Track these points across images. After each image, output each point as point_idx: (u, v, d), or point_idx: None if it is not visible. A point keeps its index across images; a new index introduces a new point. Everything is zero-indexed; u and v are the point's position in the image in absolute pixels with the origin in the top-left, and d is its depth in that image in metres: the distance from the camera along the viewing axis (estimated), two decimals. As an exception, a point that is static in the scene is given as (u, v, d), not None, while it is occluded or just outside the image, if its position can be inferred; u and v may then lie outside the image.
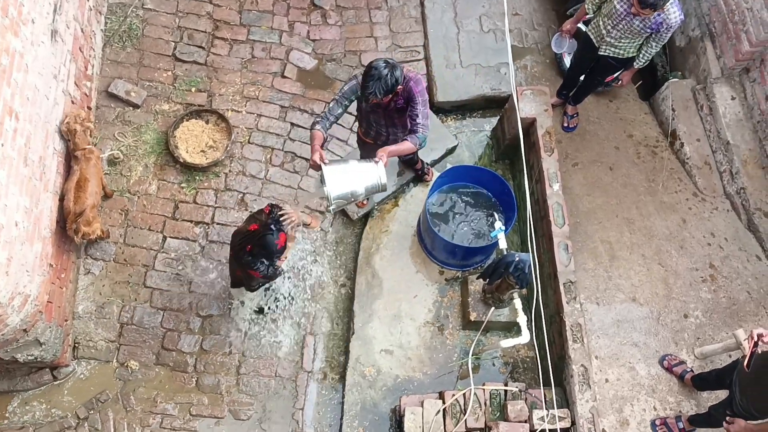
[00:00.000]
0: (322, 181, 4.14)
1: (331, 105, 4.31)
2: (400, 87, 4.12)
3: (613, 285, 5.42)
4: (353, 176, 4.16)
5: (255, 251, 4.33)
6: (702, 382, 4.91)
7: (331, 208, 4.23)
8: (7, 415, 4.97)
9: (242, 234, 4.43)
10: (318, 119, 4.32)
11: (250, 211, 5.42)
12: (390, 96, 4.14)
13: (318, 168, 4.20)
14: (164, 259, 5.41)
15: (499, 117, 5.94)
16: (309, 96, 6.03)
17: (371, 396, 5.18)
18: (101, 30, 5.93)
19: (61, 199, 4.92)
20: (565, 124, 5.99)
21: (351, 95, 4.29)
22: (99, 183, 5.05)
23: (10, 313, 4.07)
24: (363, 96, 4.13)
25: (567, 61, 6.11)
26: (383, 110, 4.44)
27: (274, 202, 4.63)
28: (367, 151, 4.95)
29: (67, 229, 4.92)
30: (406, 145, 4.28)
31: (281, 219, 4.27)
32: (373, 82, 3.99)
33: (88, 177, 4.90)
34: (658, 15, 4.64)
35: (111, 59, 5.92)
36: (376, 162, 4.19)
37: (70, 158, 5.01)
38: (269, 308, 5.32)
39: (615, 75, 5.64)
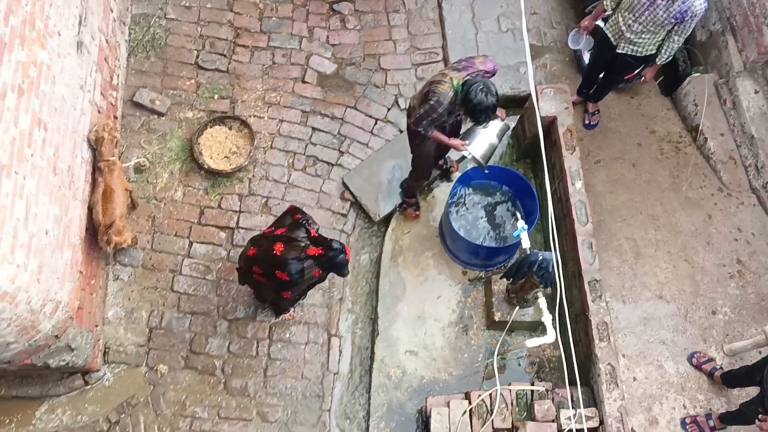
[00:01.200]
0: (469, 157, 4.91)
1: (426, 125, 4.59)
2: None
3: (639, 282, 5.38)
4: (487, 136, 4.85)
5: (324, 275, 4.47)
6: (732, 379, 4.85)
7: (485, 166, 4.98)
8: (39, 420, 5.07)
9: (299, 259, 4.28)
10: (427, 131, 4.63)
11: (274, 216, 5.46)
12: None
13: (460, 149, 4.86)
14: (191, 264, 5.48)
15: (519, 116, 5.93)
16: (329, 100, 6.08)
17: (397, 397, 5.19)
18: (125, 40, 6.04)
19: (90, 210, 5.01)
20: (587, 122, 5.97)
21: (440, 119, 4.57)
22: (124, 193, 5.13)
23: (41, 320, 4.16)
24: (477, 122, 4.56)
25: (586, 58, 6.08)
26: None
27: (293, 205, 4.74)
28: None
29: (99, 241, 5.02)
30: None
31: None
32: (485, 116, 4.40)
33: (113, 188, 4.98)
34: (683, 3, 4.59)
35: (135, 69, 6.02)
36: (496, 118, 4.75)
37: (96, 164, 5.10)
38: (294, 310, 5.35)
39: (634, 73, 5.60)
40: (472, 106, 4.31)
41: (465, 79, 4.36)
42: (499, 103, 4.42)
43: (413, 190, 5.59)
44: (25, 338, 4.15)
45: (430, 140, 4.84)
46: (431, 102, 4.43)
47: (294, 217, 4.57)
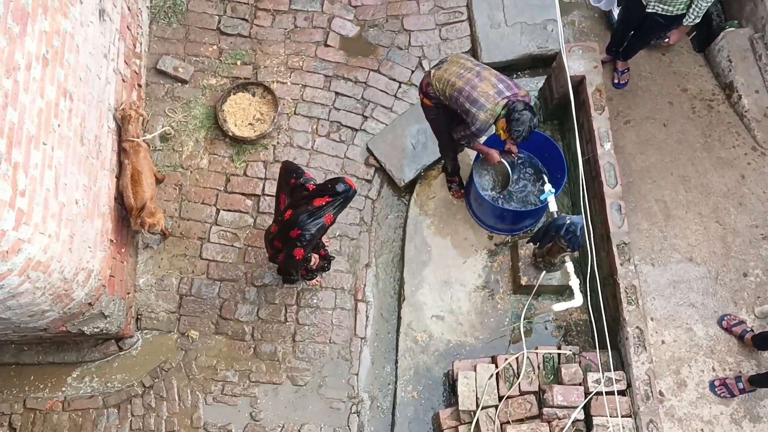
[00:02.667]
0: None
1: (469, 140, 4.79)
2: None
3: (668, 245, 5.30)
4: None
5: (335, 218, 4.41)
6: (764, 341, 4.79)
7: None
8: (76, 384, 5.23)
9: (308, 213, 4.30)
10: (471, 142, 4.83)
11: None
12: None
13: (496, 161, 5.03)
14: (218, 232, 5.53)
15: (546, 76, 5.80)
16: (352, 64, 6.01)
17: (424, 361, 5.24)
18: (147, 7, 6.00)
19: (120, 194, 5.05)
20: (616, 81, 5.82)
21: (481, 134, 4.69)
22: (152, 174, 5.13)
23: (75, 288, 4.25)
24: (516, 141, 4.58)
25: (616, 14, 5.90)
26: None
27: (286, 163, 4.68)
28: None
29: (132, 225, 5.07)
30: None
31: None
32: (528, 134, 4.44)
33: (140, 170, 4.98)
34: None
35: (158, 36, 6.00)
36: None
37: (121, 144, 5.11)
38: (321, 276, 5.39)
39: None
40: (517, 125, 4.37)
41: (505, 102, 4.42)
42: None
43: (450, 166, 5.51)
44: (60, 306, 4.26)
45: (442, 115, 4.85)
46: (473, 129, 4.57)
47: (290, 182, 4.50)
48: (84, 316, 4.62)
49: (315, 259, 4.79)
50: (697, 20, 4.89)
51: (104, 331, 4.88)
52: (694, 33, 6.03)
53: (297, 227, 4.30)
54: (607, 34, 5.98)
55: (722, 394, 4.85)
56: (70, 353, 5.24)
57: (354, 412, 5.18)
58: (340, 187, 4.25)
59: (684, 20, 4.91)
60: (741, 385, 4.79)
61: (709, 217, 5.38)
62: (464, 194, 5.67)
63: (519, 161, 5.38)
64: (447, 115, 4.83)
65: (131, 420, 5.13)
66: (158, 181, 5.47)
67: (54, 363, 5.24)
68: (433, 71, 4.66)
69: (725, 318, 5.05)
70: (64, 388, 5.23)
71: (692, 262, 5.25)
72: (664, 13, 4.92)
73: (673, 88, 5.86)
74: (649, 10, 4.97)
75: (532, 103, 4.66)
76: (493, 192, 5.43)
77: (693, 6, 4.79)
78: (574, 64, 5.28)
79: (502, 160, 5.04)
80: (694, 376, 4.93)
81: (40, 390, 5.21)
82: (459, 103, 4.52)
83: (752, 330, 4.95)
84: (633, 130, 5.68)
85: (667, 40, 5.31)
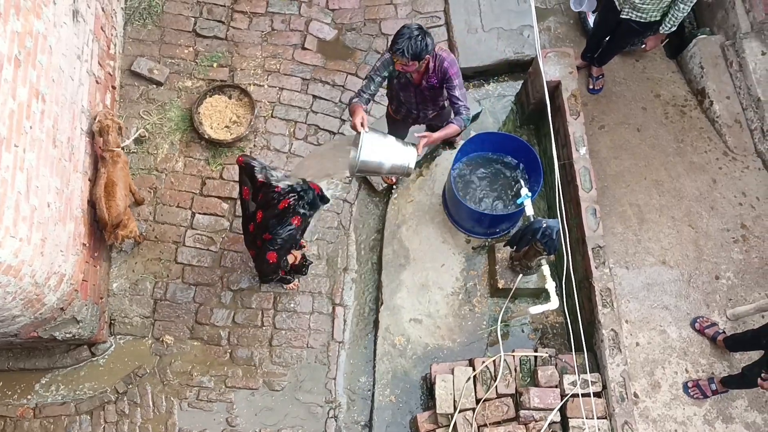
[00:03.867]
0: (355, 144, 4.20)
1: (365, 82, 4.30)
2: (428, 57, 4.08)
3: (642, 248, 5.37)
4: (386, 151, 4.21)
5: (305, 222, 4.29)
6: (735, 343, 4.88)
7: (353, 172, 4.31)
8: (47, 391, 5.13)
9: (275, 215, 4.22)
10: (354, 97, 4.32)
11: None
12: (417, 64, 4.09)
13: (356, 131, 4.21)
14: (194, 235, 5.48)
15: (522, 81, 5.85)
16: (330, 67, 6.00)
17: (402, 364, 5.23)
18: (122, 8, 5.93)
19: (92, 204, 4.94)
20: (591, 86, 5.89)
21: (383, 70, 4.27)
22: (127, 186, 5.01)
23: (46, 293, 4.18)
24: (391, 54, 4.09)
25: (591, 20, 5.98)
26: (415, 88, 4.43)
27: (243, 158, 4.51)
28: (396, 128, 4.93)
29: (106, 238, 4.96)
30: (452, 129, 4.32)
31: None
32: (402, 40, 3.95)
33: (115, 180, 4.83)
34: None
35: (132, 37, 5.93)
36: (414, 146, 4.28)
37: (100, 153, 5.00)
38: (298, 280, 5.36)
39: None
40: (398, 31, 3.99)
41: None
42: (420, 56, 3.99)
43: None
44: (31, 311, 4.18)
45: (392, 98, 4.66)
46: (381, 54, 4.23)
47: (256, 182, 4.38)
48: (56, 321, 4.54)
49: (294, 257, 4.73)
50: (673, 28, 4.97)
51: (77, 337, 4.79)
52: (667, 40, 6.11)
53: (268, 231, 4.28)
54: (582, 40, 6.05)
55: (695, 396, 4.92)
56: (41, 359, 5.13)
57: (331, 417, 5.16)
58: (298, 187, 4.18)
59: (660, 28, 4.98)
60: (714, 387, 4.86)
61: (681, 221, 5.47)
62: (395, 182, 5.64)
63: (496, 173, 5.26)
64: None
65: (104, 427, 5.04)
66: (137, 203, 5.38)
67: (25, 369, 5.13)
68: None
69: (698, 320, 5.12)
70: (34, 395, 5.12)
71: (665, 265, 5.33)
72: (637, 19, 4.99)
73: (646, 93, 5.94)
74: (623, 17, 5.04)
75: (456, 82, 4.25)
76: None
77: (669, 15, 4.86)
78: (549, 70, 5.33)
79: (361, 128, 4.18)
80: (668, 377, 5.00)
81: (10, 397, 5.10)
82: None
83: (724, 332, 5.03)
84: (607, 135, 5.76)
85: (643, 46, 5.39)
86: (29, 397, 5.12)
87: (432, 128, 4.77)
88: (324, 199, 4.33)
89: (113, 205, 4.81)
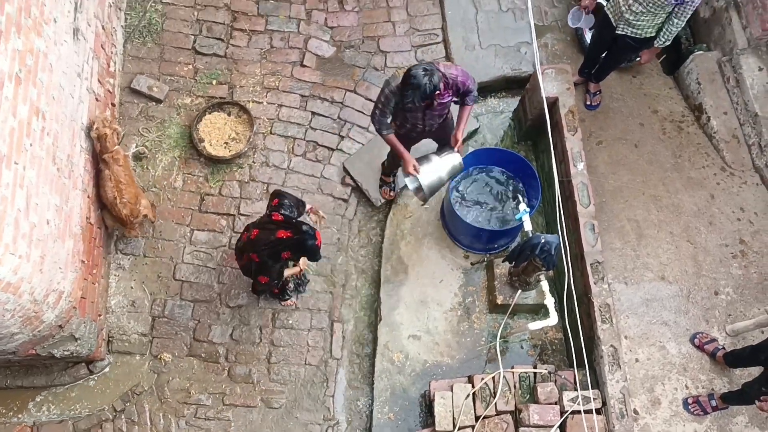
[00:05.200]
0: (413, 185, 4.85)
1: (378, 114, 4.46)
2: (438, 92, 4.16)
3: (641, 264, 5.37)
4: (438, 169, 4.79)
5: (294, 257, 4.41)
6: (735, 359, 4.86)
7: (426, 199, 4.96)
8: (45, 409, 5.10)
9: (270, 242, 4.29)
10: (380, 127, 4.53)
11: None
12: (429, 100, 4.20)
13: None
14: (192, 252, 5.48)
15: (520, 97, 5.88)
16: (328, 84, 6.03)
17: (400, 381, 5.21)
18: (122, 26, 5.97)
19: (104, 206, 5.12)
20: (588, 102, 5.92)
21: (391, 102, 4.36)
22: (131, 177, 5.13)
23: (45, 310, 4.17)
24: (401, 103, 4.24)
25: (588, 37, 6.02)
26: (424, 109, 4.47)
27: (278, 190, 4.68)
28: (403, 139, 4.89)
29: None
30: (467, 110, 4.61)
31: (307, 213, 4.41)
32: (412, 92, 4.08)
33: (120, 179, 4.97)
34: None
35: (132, 55, 5.96)
36: (456, 151, 4.74)
37: (96, 156, 5.05)
38: (296, 297, 5.36)
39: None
40: (404, 79, 4.06)
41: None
42: (433, 97, 4.14)
43: (389, 169, 5.52)
44: (29, 328, 4.16)
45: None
46: (382, 87, 4.31)
47: (272, 203, 4.53)
48: (54, 338, 4.52)
49: (291, 273, 4.78)
50: (668, 43, 5.01)
51: (75, 354, 4.78)
52: (664, 56, 6.17)
53: (255, 252, 4.33)
54: (579, 57, 6.09)
55: (695, 412, 4.89)
56: (39, 377, 5.11)
57: (330, 434, 5.14)
58: (305, 227, 4.24)
59: (655, 42, 5.02)
60: (714, 403, 4.84)
61: (680, 236, 5.47)
62: (394, 197, 5.70)
63: (495, 190, 5.30)
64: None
65: (102, 445, 5.02)
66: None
67: (23, 387, 5.10)
68: None
69: (697, 336, 5.11)
70: (32, 413, 5.09)
71: (664, 281, 5.32)
72: (633, 35, 5.03)
73: (643, 109, 5.97)
74: (619, 32, 5.07)
75: (471, 86, 4.40)
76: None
77: (664, 29, 4.91)
78: (547, 86, 5.35)
79: (415, 170, 4.68)
80: (668, 394, 4.98)
81: (7, 415, 5.07)
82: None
83: (724, 348, 5.02)
84: (605, 151, 5.77)
85: (638, 59, 5.43)
86: (29, 414, 5.08)
87: (438, 140, 4.92)
88: (315, 256, 4.39)
89: (126, 203, 4.97)
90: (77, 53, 4.86)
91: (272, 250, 4.28)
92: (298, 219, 4.46)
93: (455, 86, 4.34)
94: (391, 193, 5.70)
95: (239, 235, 4.75)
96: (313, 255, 4.38)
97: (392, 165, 5.45)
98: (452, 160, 4.80)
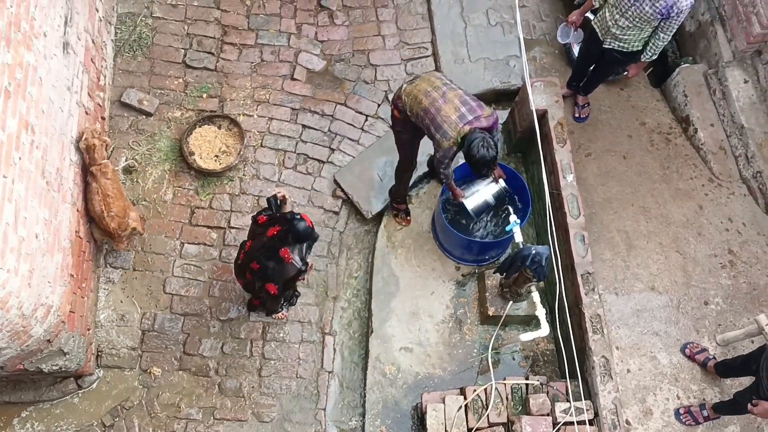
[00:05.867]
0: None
1: (444, 169, 4.75)
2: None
3: (631, 274, 5.39)
4: (483, 195, 5.12)
5: (291, 248, 4.28)
6: (726, 368, 4.87)
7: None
8: (32, 425, 5.04)
9: (263, 245, 4.28)
10: (448, 177, 4.86)
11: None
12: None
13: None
14: (182, 265, 5.45)
15: (509, 110, 5.92)
16: (319, 97, 6.05)
17: (392, 394, 5.19)
18: (112, 40, 5.98)
19: (91, 219, 5.08)
20: (577, 115, 5.96)
21: (451, 158, 4.67)
22: (120, 190, 5.08)
23: (33, 324, 4.12)
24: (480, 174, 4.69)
25: (576, 51, 6.08)
26: None
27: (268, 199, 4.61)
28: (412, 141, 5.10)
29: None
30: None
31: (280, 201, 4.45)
32: (487, 169, 4.47)
33: (108, 192, 4.93)
34: None
35: (122, 69, 5.97)
36: (497, 181, 5.09)
37: (86, 169, 5.04)
38: (287, 310, 5.34)
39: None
40: (475, 161, 4.37)
41: (465, 133, 4.38)
42: (498, 158, 4.47)
43: (400, 193, 5.56)
44: (17, 343, 4.12)
45: (408, 129, 4.83)
46: (438, 155, 4.61)
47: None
48: (42, 353, 4.47)
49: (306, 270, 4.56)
50: (654, 57, 5.07)
51: (63, 369, 4.72)
52: (651, 69, 6.24)
53: (254, 260, 4.31)
54: (567, 70, 6.15)
55: (687, 422, 4.90)
56: (27, 392, 5.05)
57: (321, 448, 5.10)
58: (290, 216, 4.20)
59: (642, 56, 5.08)
60: (705, 413, 4.85)
61: (669, 247, 5.50)
62: (409, 221, 5.73)
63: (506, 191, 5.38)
64: (412, 130, 4.83)
65: (90, 461, 4.96)
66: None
67: (10, 402, 5.04)
68: (405, 86, 4.67)
69: (688, 346, 5.12)
70: (24, 428, 5.03)
71: (654, 291, 5.34)
72: (620, 49, 5.09)
73: (631, 121, 6.03)
74: (606, 46, 5.13)
75: (499, 123, 4.71)
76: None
77: (650, 44, 4.97)
78: (536, 99, 5.38)
79: (462, 198, 5.08)
80: (660, 404, 4.98)
81: (-5, 431, 5.01)
82: (425, 124, 4.53)
83: (714, 357, 5.04)
84: (594, 163, 5.81)
85: (626, 73, 5.48)
86: (16, 431, 5.02)
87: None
88: (312, 235, 4.30)
89: (114, 216, 4.92)
90: (67, 67, 4.86)
91: (268, 251, 4.23)
92: (280, 212, 4.44)
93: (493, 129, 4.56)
94: (408, 218, 5.72)
95: (236, 255, 4.73)
96: (310, 235, 4.26)
97: (403, 193, 5.52)
98: (494, 186, 5.12)
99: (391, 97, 6.00)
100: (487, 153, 4.31)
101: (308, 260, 4.40)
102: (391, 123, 5.06)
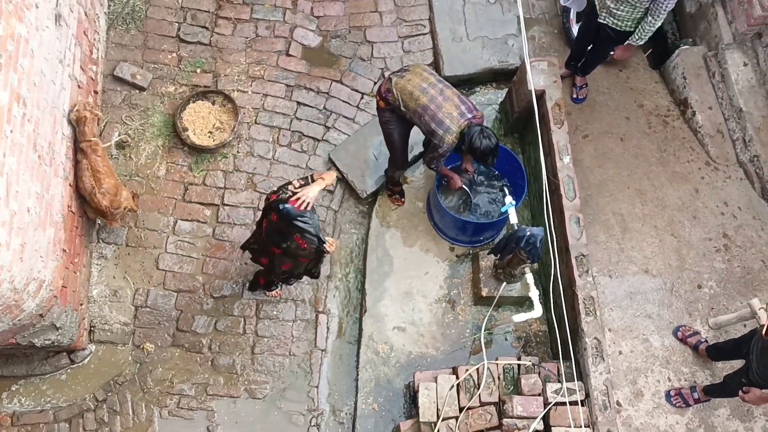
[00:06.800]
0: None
1: (436, 162, 4.87)
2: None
3: (625, 257, 5.39)
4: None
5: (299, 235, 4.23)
6: (717, 352, 4.90)
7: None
8: (26, 399, 5.05)
9: (274, 230, 4.29)
10: (435, 165, 4.90)
11: (260, 192, 5.48)
12: None
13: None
14: (176, 242, 5.43)
15: (507, 90, 5.87)
16: (314, 74, 5.98)
17: (385, 373, 5.21)
18: (105, 13, 5.88)
19: (83, 198, 5.00)
20: (575, 96, 5.92)
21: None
22: (110, 168, 5.02)
23: (25, 299, 4.11)
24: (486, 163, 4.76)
25: (575, 29, 6.02)
26: None
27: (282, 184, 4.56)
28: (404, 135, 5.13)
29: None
30: None
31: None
32: (492, 157, 4.58)
33: (98, 169, 4.87)
34: None
35: (115, 42, 5.88)
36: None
37: (77, 145, 4.98)
38: (280, 288, 5.33)
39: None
40: (480, 152, 4.51)
41: (467, 124, 4.53)
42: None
43: (395, 177, 5.54)
44: (9, 317, 4.10)
45: (396, 120, 4.86)
46: (440, 151, 4.66)
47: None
48: (35, 327, 4.46)
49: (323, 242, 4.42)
50: (641, 41, 5.02)
51: (56, 344, 4.72)
52: (650, 50, 6.19)
53: (274, 245, 4.32)
54: (566, 50, 6.08)
55: (678, 404, 4.93)
56: (19, 366, 5.05)
57: (314, 425, 5.12)
58: (273, 204, 4.17)
59: (630, 39, 5.03)
60: (696, 395, 4.88)
61: (664, 230, 5.50)
62: (404, 203, 5.73)
63: (479, 180, 5.49)
64: (399, 121, 4.86)
65: (83, 435, 4.98)
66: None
67: (2, 376, 5.05)
68: (395, 79, 4.65)
69: (680, 329, 5.14)
70: (12, 402, 5.03)
71: (648, 274, 5.35)
72: (613, 26, 5.03)
73: (629, 103, 5.99)
74: (600, 21, 5.07)
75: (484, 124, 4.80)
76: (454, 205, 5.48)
77: (639, 28, 4.92)
78: (534, 79, 5.32)
79: (462, 185, 5.26)
80: (651, 386, 5.01)
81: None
82: (423, 120, 4.57)
83: (706, 341, 5.06)
84: (591, 144, 5.78)
85: (612, 53, 5.44)
86: (9, 403, 5.03)
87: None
88: (294, 214, 4.14)
89: (105, 193, 4.86)
90: (59, 39, 4.79)
91: (279, 233, 4.26)
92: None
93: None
94: (402, 200, 5.71)
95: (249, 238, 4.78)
96: (294, 216, 4.10)
97: (393, 171, 5.47)
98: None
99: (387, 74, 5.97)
100: (489, 142, 4.49)
101: (324, 237, 4.30)
102: (378, 115, 4.97)
